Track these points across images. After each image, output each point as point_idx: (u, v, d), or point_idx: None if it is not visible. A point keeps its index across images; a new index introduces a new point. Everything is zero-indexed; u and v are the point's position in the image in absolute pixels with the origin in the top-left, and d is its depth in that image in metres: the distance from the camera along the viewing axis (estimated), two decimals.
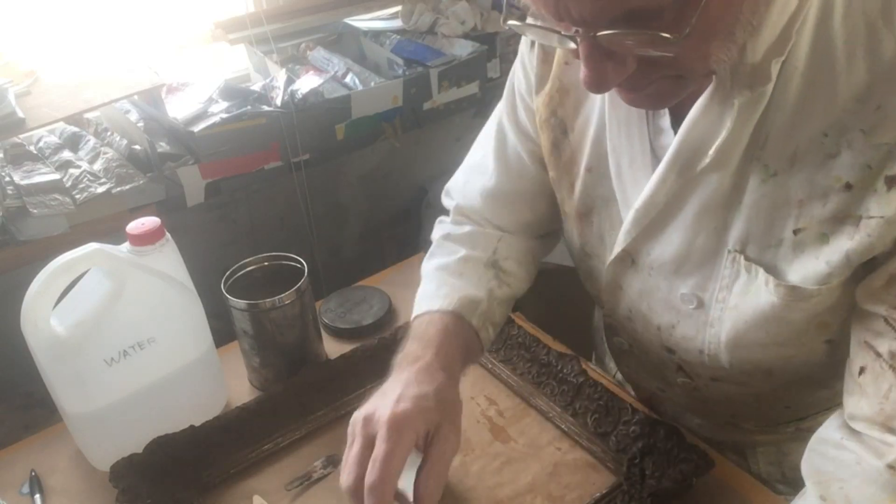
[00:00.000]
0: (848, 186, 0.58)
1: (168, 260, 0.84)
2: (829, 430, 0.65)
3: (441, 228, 0.93)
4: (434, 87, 1.80)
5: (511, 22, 0.59)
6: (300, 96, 1.63)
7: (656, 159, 0.69)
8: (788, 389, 0.75)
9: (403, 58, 1.82)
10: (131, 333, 0.82)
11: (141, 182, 1.46)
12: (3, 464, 0.89)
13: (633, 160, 0.71)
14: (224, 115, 1.56)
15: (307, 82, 1.68)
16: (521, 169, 0.86)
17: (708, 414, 0.89)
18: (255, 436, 0.88)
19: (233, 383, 0.98)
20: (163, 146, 1.53)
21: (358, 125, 1.73)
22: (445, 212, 0.96)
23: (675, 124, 0.67)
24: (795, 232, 0.62)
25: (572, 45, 0.56)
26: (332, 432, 0.90)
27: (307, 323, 0.96)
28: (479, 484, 0.82)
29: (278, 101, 1.63)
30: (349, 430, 0.66)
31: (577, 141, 0.77)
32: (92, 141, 1.57)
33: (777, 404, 0.80)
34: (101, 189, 1.41)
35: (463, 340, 0.77)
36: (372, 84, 1.74)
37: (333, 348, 1.03)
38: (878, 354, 0.60)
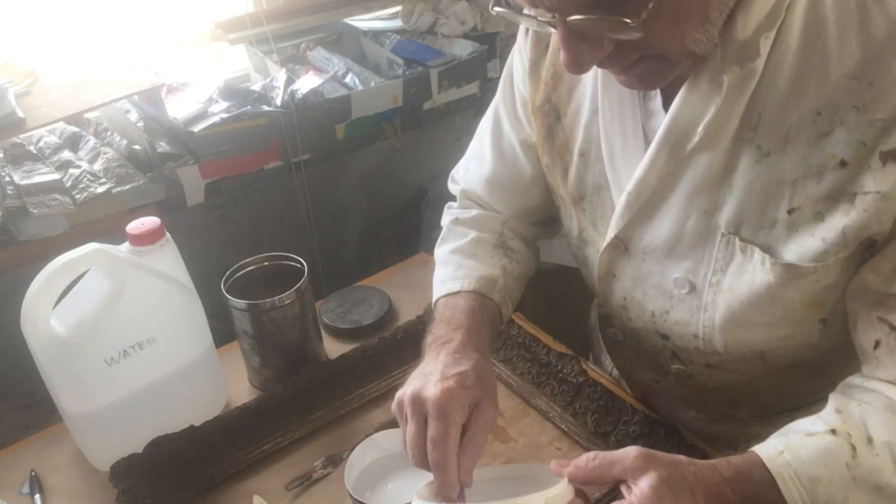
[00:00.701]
0: (843, 164, 0.59)
1: (168, 260, 0.84)
2: (852, 378, 0.67)
3: (450, 214, 0.95)
4: (434, 87, 1.80)
5: (498, 9, 0.63)
6: (300, 96, 1.63)
7: (648, 142, 0.70)
8: (782, 375, 0.76)
9: (403, 58, 1.82)
10: (131, 333, 0.82)
11: (141, 182, 1.45)
12: (3, 464, 0.89)
13: (626, 143, 0.72)
14: (224, 115, 1.55)
15: (307, 82, 1.68)
16: (514, 158, 0.88)
17: (703, 404, 0.90)
18: (255, 436, 0.88)
19: (233, 383, 0.98)
20: (163, 146, 1.53)
21: (358, 125, 1.73)
22: (445, 211, 0.97)
23: (667, 106, 0.68)
24: (790, 212, 0.63)
25: (552, 30, 0.60)
26: (332, 432, 0.90)
27: (307, 323, 0.96)
28: None
29: (278, 101, 1.63)
30: (395, 409, 0.70)
31: (570, 126, 0.78)
32: (92, 141, 1.57)
33: (771, 392, 0.81)
34: (101, 189, 1.41)
35: (489, 317, 0.80)
36: (372, 84, 1.74)
37: (333, 348, 1.03)
38: (893, 328, 0.62)
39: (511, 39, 1.90)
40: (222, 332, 0.98)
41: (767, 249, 0.65)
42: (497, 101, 0.89)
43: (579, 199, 0.80)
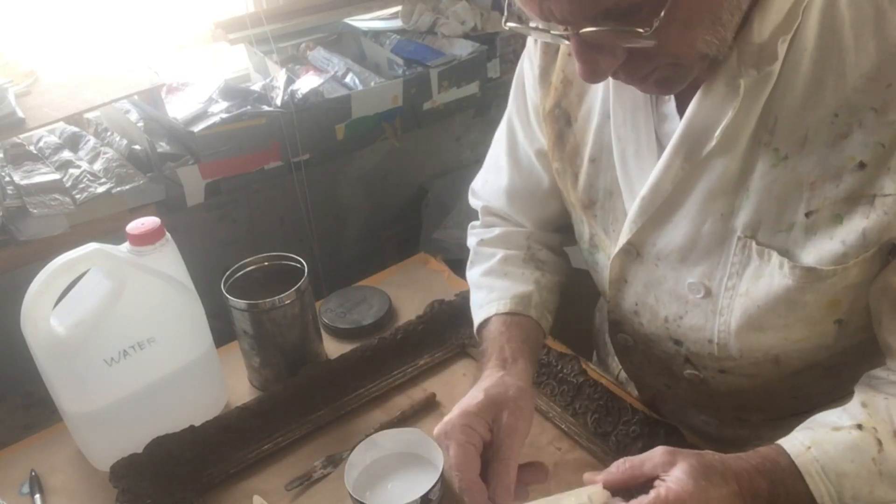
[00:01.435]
0: (861, 165, 0.59)
1: (168, 260, 0.84)
2: (878, 371, 0.67)
3: (474, 235, 0.96)
4: (434, 87, 1.80)
5: (511, 24, 0.62)
6: (300, 96, 1.63)
7: (661, 147, 0.69)
8: (796, 378, 0.76)
9: (403, 58, 1.82)
10: (131, 333, 0.82)
11: (141, 182, 1.45)
12: (3, 464, 0.89)
13: (639, 149, 0.72)
14: (224, 115, 1.56)
15: (307, 82, 1.68)
16: (531, 168, 0.88)
17: (714, 408, 0.89)
18: (255, 436, 0.88)
19: (233, 383, 0.98)
20: (163, 146, 1.53)
21: (358, 125, 1.73)
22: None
23: (681, 110, 0.67)
24: (808, 214, 0.62)
25: (566, 42, 0.59)
26: (332, 432, 0.90)
27: (307, 323, 0.96)
28: None
29: (278, 101, 1.63)
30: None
31: (581, 131, 0.78)
32: (92, 141, 1.57)
33: (784, 394, 0.81)
34: (101, 189, 1.41)
35: (524, 333, 0.81)
36: (372, 84, 1.74)
37: (333, 348, 1.03)
38: None
39: (511, 40, 1.90)
40: (222, 332, 0.98)
41: (785, 253, 0.64)
42: (510, 112, 0.89)
43: (590, 204, 0.80)
